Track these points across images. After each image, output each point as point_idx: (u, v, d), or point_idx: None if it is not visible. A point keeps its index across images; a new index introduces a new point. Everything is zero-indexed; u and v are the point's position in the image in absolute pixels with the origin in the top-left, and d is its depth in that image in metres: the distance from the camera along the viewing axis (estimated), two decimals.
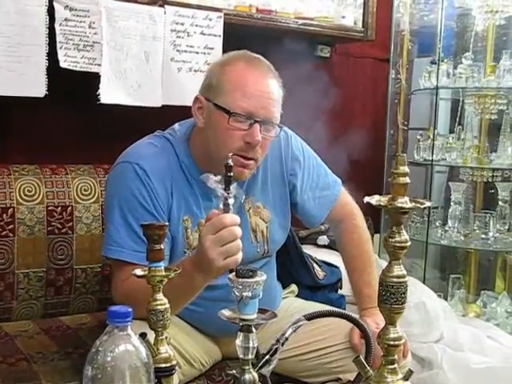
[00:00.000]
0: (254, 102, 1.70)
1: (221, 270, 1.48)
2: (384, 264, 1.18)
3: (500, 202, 3.13)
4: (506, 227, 3.13)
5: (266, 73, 1.76)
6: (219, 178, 1.39)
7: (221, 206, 1.44)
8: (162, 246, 1.24)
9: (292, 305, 2.05)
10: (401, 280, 1.15)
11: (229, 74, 1.74)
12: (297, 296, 2.20)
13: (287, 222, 1.99)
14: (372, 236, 3.10)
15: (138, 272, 1.24)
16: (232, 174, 1.41)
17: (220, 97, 1.73)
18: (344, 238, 2.05)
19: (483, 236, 3.12)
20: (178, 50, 2.50)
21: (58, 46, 2.24)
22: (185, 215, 1.79)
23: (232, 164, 1.41)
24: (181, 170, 1.81)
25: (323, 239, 2.85)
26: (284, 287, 2.15)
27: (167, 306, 1.23)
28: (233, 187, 1.40)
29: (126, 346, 1.02)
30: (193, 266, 1.49)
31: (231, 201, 1.42)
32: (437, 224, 3.22)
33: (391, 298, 1.15)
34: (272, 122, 1.75)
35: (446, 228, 3.17)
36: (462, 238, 3.13)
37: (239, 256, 1.48)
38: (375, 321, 1.78)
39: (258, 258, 1.92)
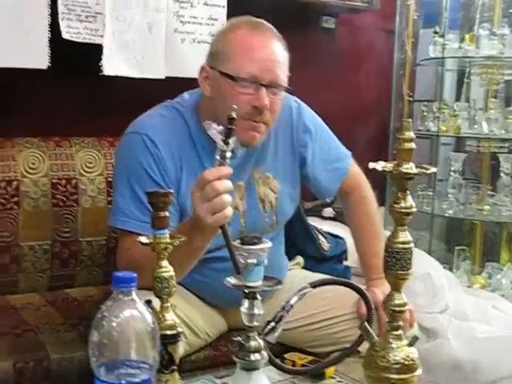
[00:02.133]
0: (259, 66, 1.69)
1: (212, 227, 1.47)
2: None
3: (502, 174, 3.12)
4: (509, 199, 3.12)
5: (269, 36, 1.75)
6: (221, 128, 1.39)
7: (217, 157, 1.43)
8: (167, 214, 1.24)
9: (298, 276, 2.05)
10: (406, 246, 1.16)
11: (232, 41, 1.73)
12: (303, 268, 2.20)
13: (297, 194, 1.99)
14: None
15: (143, 239, 1.25)
16: (234, 126, 1.39)
17: (225, 64, 1.72)
18: (353, 210, 2.04)
19: (487, 207, 3.12)
20: (181, 21, 2.48)
21: (60, 17, 2.22)
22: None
23: (235, 116, 1.40)
24: (190, 139, 1.80)
25: (328, 211, 2.85)
26: (290, 259, 2.15)
27: (172, 273, 1.24)
28: (232, 140, 1.39)
29: (131, 311, 1.02)
30: (190, 226, 1.49)
31: (228, 154, 1.41)
32: (444, 196, 3.21)
33: (397, 264, 1.16)
34: (278, 84, 1.73)
35: (449, 199, 3.16)
36: (464, 208, 3.13)
37: (227, 211, 1.45)
38: (383, 291, 1.77)
39: (267, 229, 1.91)
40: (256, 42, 1.72)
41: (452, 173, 3.18)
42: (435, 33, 3.15)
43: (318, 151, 1.96)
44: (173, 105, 1.86)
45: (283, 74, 1.74)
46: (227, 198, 1.45)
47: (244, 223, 1.87)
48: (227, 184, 1.45)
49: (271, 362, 1.45)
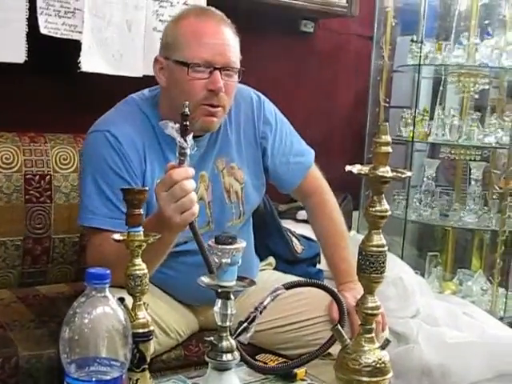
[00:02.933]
0: (211, 50, 1.71)
1: (180, 226, 1.49)
2: None
3: (472, 182, 3.15)
4: (479, 206, 3.15)
5: (218, 21, 1.77)
6: (178, 126, 1.38)
7: (177, 154, 1.43)
8: (142, 211, 1.23)
9: (271, 277, 2.06)
10: (380, 249, 1.16)
11: (182, 28, 1.76)
12: (275, 269, 2.20)
13: (261, 184, 1.99)
14: (351, 213, 3.14)
15: (117, 237, 1.24)
16: (188, 123, 1.39)
17: (177, 52, 1.74)
18: (315, 213, 2.05)
19: (459, 214, 3.15)
20: (160, 20, 2.48)
21: (39, 11, 2.20)
22: (158, 178, 1.77)
23: (188, 113, 1.40)
24: (153, 132, 1.80)
25: (302, 214, 2.85)
26: (261, 260, 2.15)
27: (146, 271, 1.24)
28: (189, 138, 1.39)
29: (104, 308, 1.02)
30: (157, 223, 1.48)
31: (187, 151, 1.40)
32: (417, 202, 3.24)
33: (370, 267, 1.16)
34: (231, 66, 1.75)
35: (421, 205, 3.19)
36: (436, 215, 3.16)
37: (195, 209, 1.48)
38: (353, 295, 1.78)
39: (234, 221, 1.92)
40: (205, 28, 1.74)
41: (425, 179, 3.21)
42: (412, 41, 3.18)
43: (278, 144, 1.97)
44: (132, 100, 1.87)
45: (235, 57, 1.77)
46: (195, 196, 1.47)
47: (210, 213, 1.88)
48: (193, 184, 1.47)
49: (243, 360, 1.45)
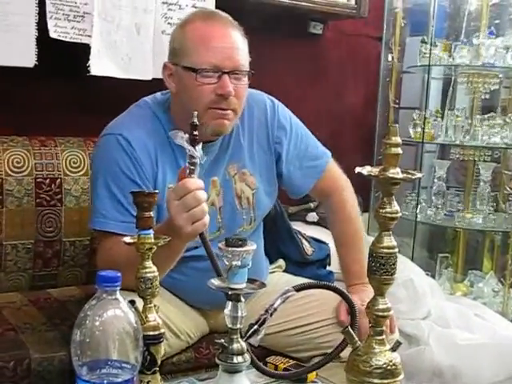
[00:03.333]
0: (218, 55, 1.70)
1: (191, 235, 1.49)
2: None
3: (481, 183, 3.14)
4: (488, 207, 3.14)
5: (225, 24, 1.76)
6: (187, 136, 1.38)
7: (187, 164, 1.43)
8: (152, 214, 1.24)
9: (280, 279, 2.05)
10: (391, 251, 1.16)
11: (189, 33, 1.75)
12: (285, 271, 2.20)
13: (274, 190, 1.98)
14: (361, 214, 3.12)
15: (127, 240, 1.24)
16: (197, 132, 1.39)
17: (185, 58, 1.73)
18: (333, 213, 2.04)
19: (470, 215, 3.14)
20: (169, 23, 2.48)
21: (48, 15, 2.21)
22: (170, 182, 1.78)
23: (197, 123, 1.41)
24: (165, 136, 1.79)
25: (312, 216, 2.85)
26: (271, 262, 2.15)
27: (156, 273, 1.24)
28: (199, 148, 1.39)
29: (115, 310, 1.02)
30: (167, 231, 1.48)
31: (197, 160, 1.40)
32: (427, 203, 3.23)
33: (381, 268, 1.16)
34: (240, 70, 1.74)
35: (432, 206, 3.18)
36: (448, 216, 3.15)
37: (206, 219, 1.48)
38: (361, 298, 1.77)
39: (245, 227, 1.91)
40: (212, 32, 1.73)
41: (436, 180, 3.20)
42: (423, 42, 3.17)
43: (292, 148, 1.96)
44: (145, 103, 1.87)
45: (244, 60, 1.76)
46: (206, 206, 1.47)
47: (221, 219, 1.87)
48: (205, 194, 1.48)
49: (254, 365, 1.45)
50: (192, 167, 1.42)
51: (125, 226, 1.64)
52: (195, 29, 1.75)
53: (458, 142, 3.12)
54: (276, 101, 1.98)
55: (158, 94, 1.91)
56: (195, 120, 1.41)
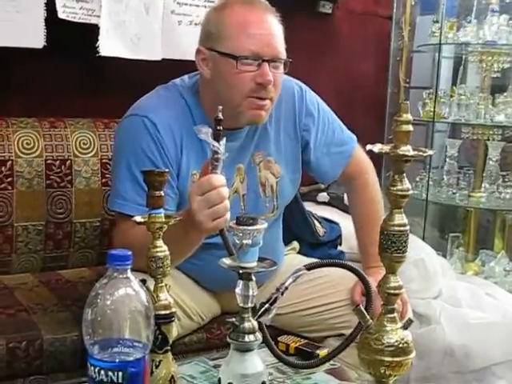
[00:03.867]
0: (259, 42, 1.67)
1: (211, 230, 1.49)
2: None
3: (490, 162, 3.13)
4: (502, 187, 3.13)
5: (264, 11, 1.73)
6: (211, 130, 1.35)
7: (211, 159, 1.41)
8: (162, 193, 1.23)
9: (293, 261, 2.04)
10: (402, 228, 1.15)
11: (228, 19, 1.71)
12: (298, 253, 2.20)
13: (298, 178, 1.97)
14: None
15: (138, 219, 1.24)
16: (221, 127, 1.37)
17: (223, 43, 1.70)
18: (356, 195, 2.03)
19: (480, 195, 3.13)
20: (178, 3, 2.47)
21: None
22: (193, 169, 1.76)
23: (221, 117, 1.38)
24: (191, 121, 1.76)
25: (323, 196, 2.85)
26: (286, 244, 2.14)
27: (167, 252, 1.23)
28: (222, 142, 1.37)
29: (126, 289, 1.02)
30: (185, 223, 1.47)
31: (221, 156, 1.39)
32: (438, 183, 3.21)
33: (392, 246, 1.15)
34: (279, 58, 1.71)
35: (443, 186, 3.17)
36: (459, 196, 3.14)
37: (227, 216, 1.46)
38: (376, 279, 1.76)
39: (268, 214, 1.89)
40: (251, 18, 1.70)
41: (448, 159, 3.18)
42: (435, 22, 3.14)
43: (320, 135, 1.94)
44: (173, 86, 1.84)
45: (282, 48, 1.73)
46: (228, 204, 1.46)
47: (243, 207, 1.86)
48: (227, 191, 1.46)
49: (268, 347, 1.45)
50: (216, 163, 1.40)
51: (143, 209, 1.63)
52: (234, 14, 1.71)
53: (468, 121, 3.09)
54: (304, 86, 1.95)
55: (186, 77, 1.87)
56: (220, 115, 1.38)
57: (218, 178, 1.42)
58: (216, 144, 1.37)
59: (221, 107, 1.41)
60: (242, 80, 1.67)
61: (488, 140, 3.12)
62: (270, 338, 1.44)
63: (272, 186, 1.90)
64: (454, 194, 3.15)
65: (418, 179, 3.21)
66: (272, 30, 1.71)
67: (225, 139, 1.38)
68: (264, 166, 1.88)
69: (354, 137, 2.02)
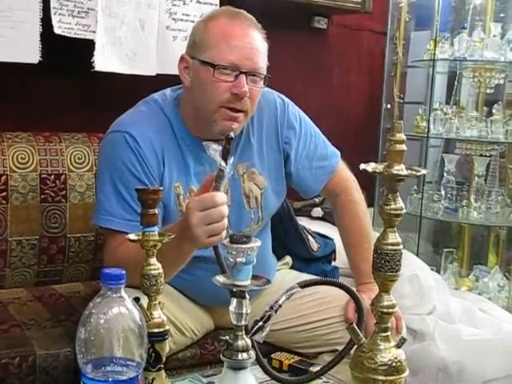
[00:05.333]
0: (239, 54, 1.69)
1: (205, 245, 1.50)
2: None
3: (476, 178, 3.15)
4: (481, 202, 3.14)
5: (249, 25, 1.75)
6: (220, 147, 1.38)
7: (214, 173, 1.43)
8: (156, 211, 1.23)
9: (286, 276, 2.05)
10: (395, 247, 1.16)
11: (212, 29, 1.73)
12: (291, 268, 2.20)
13: (282, 189, 1.98)
14: None
15: (132, 237, 1.24)
16: (231, 146, 1.40)
17: (204, 52, 1.72)
18: (341, 213, 2.03)
19: (474, 211, 3.13)
20: (173, 19, 2.48)
21: (52, 11, 2.21)
22: (176, 182, 1.78)
23: (232, 136, 1.42)
24: (172, 134, 1.79)
25: (317, 211, 2.85)
26: (278, 259, 2.15)
27: (161, 270, 1.24)
28: (229, 161, 1.40)
29: (120, 308, 1.02)
30: (180, 234, 1.48)
31: (226, 174, 1.41)
32: (432, 198, 3.22)
33: (385, 265, 1.16)
34: (258, 72, 1.73)
35: (437, 200, 3.18)
36: (452, 211, 3.14)
37: (223, 235, 1.48)
38: (370, 297, 1.76)
39: (252, 226, 1.90)
40: (235, 31, 1.72)
41: (445, 174, 3.18)
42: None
43: (302, 148, 1.95)
44: (153, 100, 1.86)
45: (263, 63, 1.75)
46: (226, 222, 1.49)
47: (228, 219, 1.86)
48: (227, 209, 1.48)
49: (260, 365, 1.45)
50: (220, 180, 1.43)
51: (130, 224, 1.64)
52: (219, 25, 1.73)
53: (462, 137, 3.11)
54: (286, 99, 1.97)
55: (168, 91, 1.89)
56: (231, 134, 1.42)
57: (221, 197, 1.45)
58: (223, 163, 1.39)
59: (234, 126, 1.43)
60: (218, 89, 1.69)
61: (479, 156, 3.13)
62: (261, 356, 1.44)
63: (256, 197, 1.90)
64: (450, 209, 3.15)
65: (412, 194, 3.22)
66: (254, 44, 1.72)
67: (232, 158, 1.41)
68: (248, 177, 1.89)
69: (338, 152, 2.03)
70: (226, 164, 1.39)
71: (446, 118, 3.14)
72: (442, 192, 3.17)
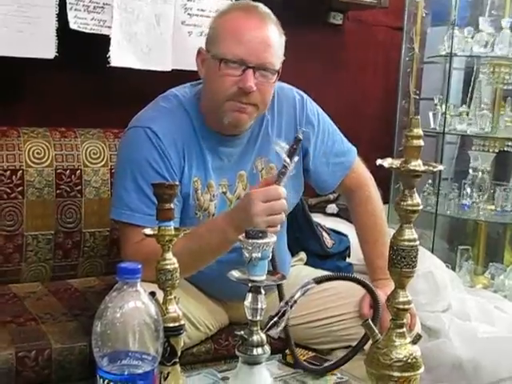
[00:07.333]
0: (246, 48, 1.68)
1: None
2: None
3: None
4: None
5: (262, 19, 1.73)
6: (287, 146, 1.47)
7: (279, 171, 1.54)
8: (172, 206, 1.23)
9: (301, 272, 2.04)
10: (412, 244, 1.15)
11: (223, 23, 1.74)
12: (305, 264, 2.19)
13: (300, 185, 1.97)
14: None
15: (148, 231, 1.24)
16: (297, 146, 1.49)
17: (215, 46, 1.73)
18: (357, 209, 2.02)
19: (491, 207, 3.11)
20: (189, 14, 2.48)
21: (68, 7, 2.22)
22: (194, 176, 1.79)
23: (301, 138, 1.50)
24: (192, 129, 1.80)
25: (332, 208, 2.85)
26: (293, 255, 2.14)
27: (176, 265, 1.23)
28: (294, 160, 1.49)
29: (136, 302, 1.02)
30: (229, 220, 1.51)
31: (288, 171, 1.50)
32: (449, 196, 3.19)
33: (402, 261, 1.15)
34: (266, 67, 1.72)
35: (453, 197, 3.16)
36: (468, 208, 3.12)
37: (279, 228, 1.57)
38: (386, 292, 1.75)
39: None
40: (247, 25, 1.71)
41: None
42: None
43: (320, 144, 1.95)
44: (173, 95, 1.86)
45: (273, 57, 1.73)
46: (284, 216, 1.58)
47: None
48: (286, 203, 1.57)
49: (291, 351, 1.54)
50: (282, 176, 1.52)
51: (151, 219, 1.63)
52: (230, 19, 1.74)
53: (479, 134, 3.08)
54: (305, 96, 1.96)
55: (188, 86, 1.89)
56: (300, 135, 1.51)
57: (284, 191, 1.53)
58: (287, 160, 1.49)
59: (304, 128, 1.60)
60: (224, 83, 1.69)
61: (498, 152, 3.10)
62: (293, 342, 1.58)
63: None
64: (463, 206, 3.13)
65: (427, 191, 3.20)
66: (265, 38, 1.71)
67: (297, 158, 1.51)
68: (266, 172, 1.89)
69: (355, 149, 2.03)
70: (291, 162, 1.48)
71: (462, 114, 3.11)
72: (468, 189, 3.13)
